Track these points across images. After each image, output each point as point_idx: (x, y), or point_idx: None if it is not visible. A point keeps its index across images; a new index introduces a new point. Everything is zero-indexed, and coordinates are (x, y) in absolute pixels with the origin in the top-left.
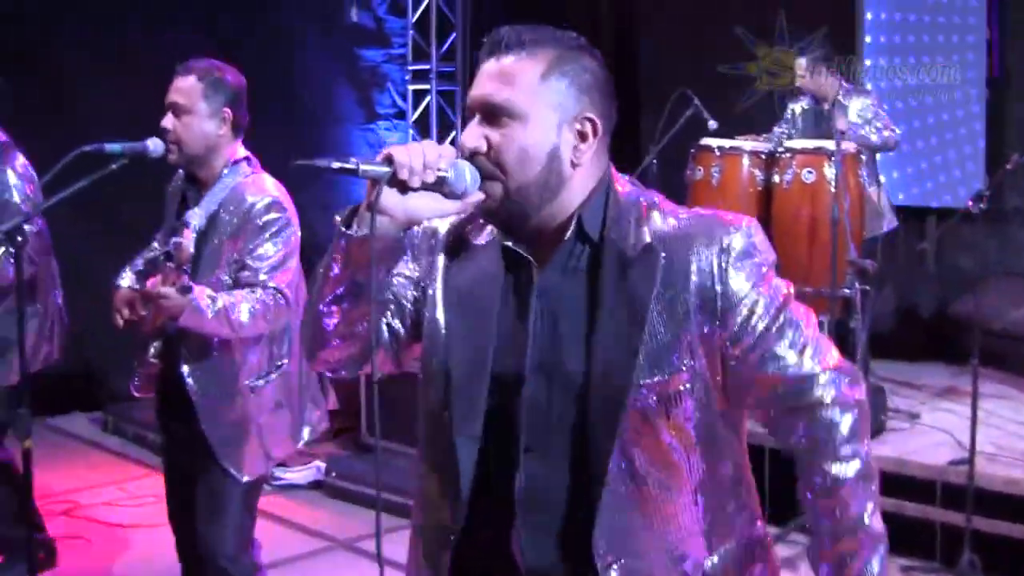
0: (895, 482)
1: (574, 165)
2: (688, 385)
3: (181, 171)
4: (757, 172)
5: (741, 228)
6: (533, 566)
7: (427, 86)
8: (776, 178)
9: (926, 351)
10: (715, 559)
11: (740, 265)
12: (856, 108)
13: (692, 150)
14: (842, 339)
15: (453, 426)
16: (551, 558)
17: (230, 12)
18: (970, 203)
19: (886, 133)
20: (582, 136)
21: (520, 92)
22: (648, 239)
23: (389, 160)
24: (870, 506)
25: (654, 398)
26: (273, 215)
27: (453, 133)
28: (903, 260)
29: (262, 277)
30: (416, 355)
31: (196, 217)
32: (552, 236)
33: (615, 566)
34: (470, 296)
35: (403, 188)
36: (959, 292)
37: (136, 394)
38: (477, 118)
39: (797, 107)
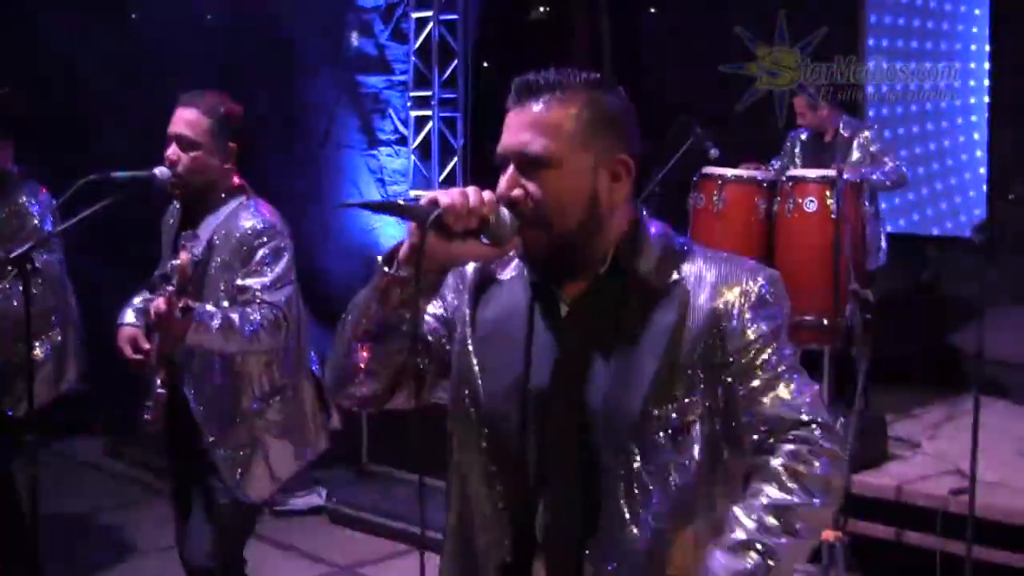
0: (895, 511)
1: (611, 205)
2: (697, 418)
3: (176, 203)
4: (760, 201)
5: (764, 275)
6: None
7: (429, 112)
8: (778, 207)
9: (927, 380)
10: None
11: (757, 310)
12: (861, 143)
13: (695, 178)
14: (843, 369)
15: (487, 457)
16: None
17: (236, 41)
18: (972, 232)
19: (889, 168)
20: (615, 176)
21: (555, 140)
22: (676, 276)
23: (435, 204)
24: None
25: (664, 427)
26: (267, 238)
27: (455, 158)
28: (904, 289)
29: (259, 296)
30: (438, 391)
31: (191, 239)
32: (585, 272)
33: None
34: (498, 331)
35: (447, 232)
36: (960, 321)
37: (148, 429)
38: (512, 167)
39: (797, 140)
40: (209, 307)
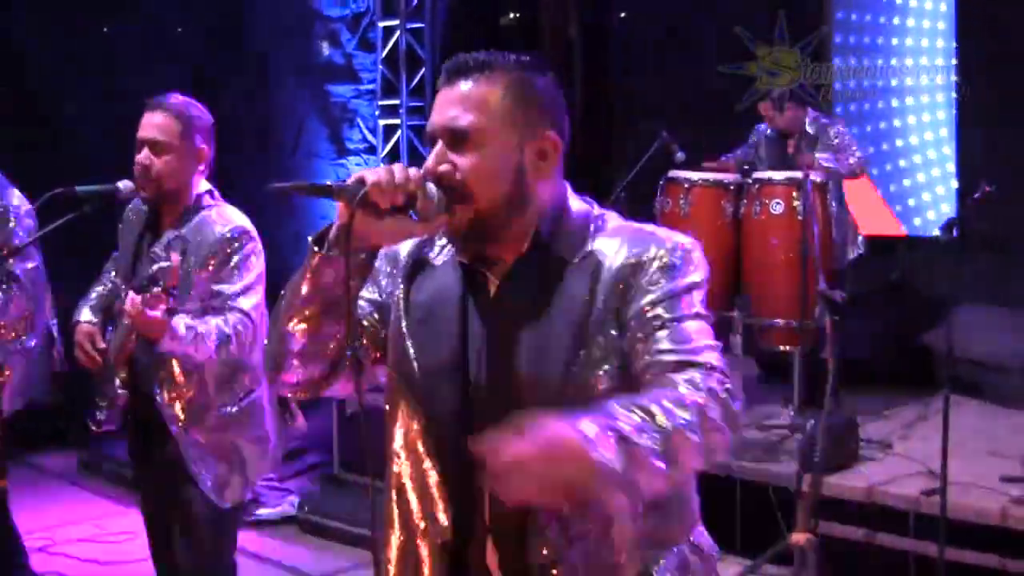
0: (867, 512)
1: (536, 182)
2: (610, 384)
3: (139, 203)
4: (726, 203)
5: (674, 243)
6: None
7: (397, 121)
8: (745, 209)
9: (898, 380)
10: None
11: (663, 272)
12: (826, 138)
13: (661, 182)
14: (813, 370)
15: (426, 439)
16: (520, 563)
17: (205, 50)
18: (940, 231)
19: (852, 161)
20: (543, 154)
21: (482, 116)
22: (588, 247)
23: (362, 182)
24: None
25: (583, 392)
26: (238, 243)
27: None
28: (873, 288)
29: (230, 303)
30: (374, 377)
31: (177, 243)
32: (512, 250)
33: (555, 571)
34: (432, 314)
35: (375, 209)
36: (931, 320)
37: (97, 429)
38: (440, 143)
39: (763, 136)
40: (185, 317)
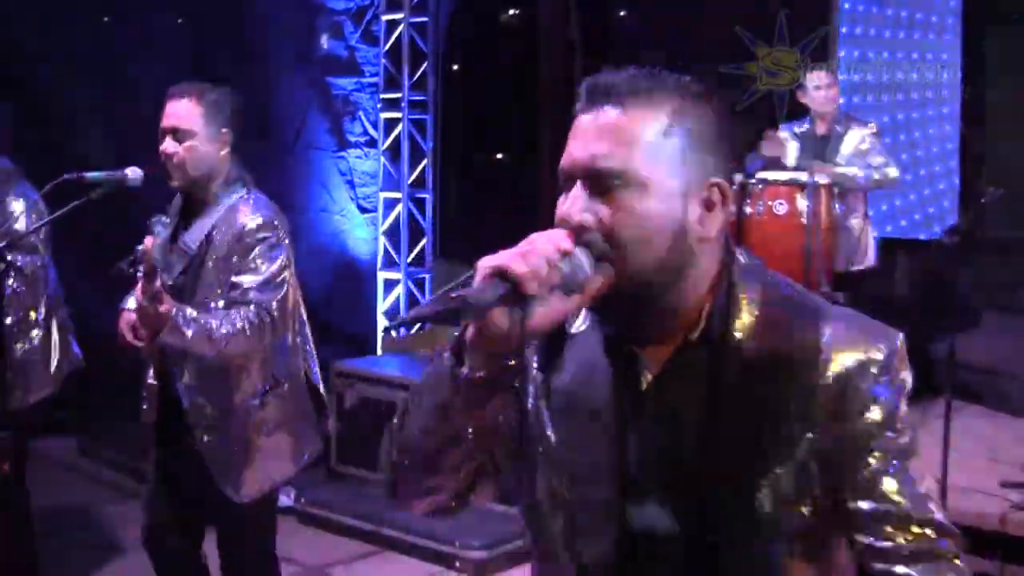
0: None
1: (701, 241)
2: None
3: (178, 196)
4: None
5: (887, 342)
6: None
7: (399, 114)
8: (748, 209)
9: None
10: None
11: (879, 385)
12: (854, 140)
13: None
14: None
15: (578, 549)
16: None
17: (206, 43)
18: (944, 236)
19: (888, 170)
20: (708, 205)
21: (637, 153)
22: (786, 343)
23: (502, 275)
24: None
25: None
26: (263, 234)
27: (425, 160)
28: (877, 293)
29: (249, 296)
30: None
31: (157, 223)
32: (670, 328)
33: None
34: (576, 399)
35: (523, 301)
36: (934, 326)
37: (144, 419)
38: (579, 185)
39: (791, 133)
40: (189, 311)
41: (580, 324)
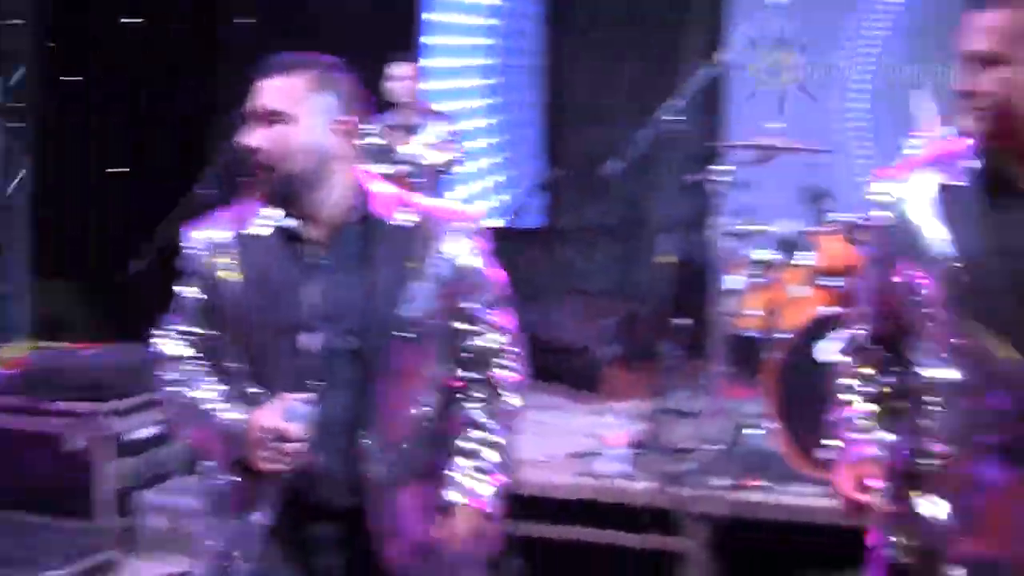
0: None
1: (337, 158)
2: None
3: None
4: None
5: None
6: (331, 481)
7: None
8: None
9: None
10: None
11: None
12: (433, 133)
13: None
14: None
15: (269, 378)
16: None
17: None
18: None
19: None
20: (347, 135)
21: (291, 101)
22: (402, 215)
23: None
24: None
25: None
26: None
27: (23, 172)
28: None
29: None
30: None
31: None
32: (327, 214)
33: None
34: (266, 275)
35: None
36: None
37: None
38: (254, 122)
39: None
40: None
41: (265, 229)
